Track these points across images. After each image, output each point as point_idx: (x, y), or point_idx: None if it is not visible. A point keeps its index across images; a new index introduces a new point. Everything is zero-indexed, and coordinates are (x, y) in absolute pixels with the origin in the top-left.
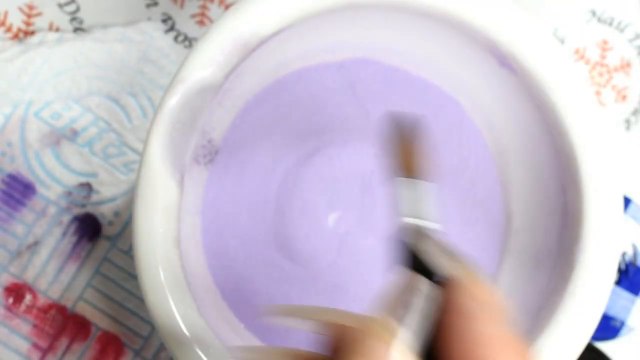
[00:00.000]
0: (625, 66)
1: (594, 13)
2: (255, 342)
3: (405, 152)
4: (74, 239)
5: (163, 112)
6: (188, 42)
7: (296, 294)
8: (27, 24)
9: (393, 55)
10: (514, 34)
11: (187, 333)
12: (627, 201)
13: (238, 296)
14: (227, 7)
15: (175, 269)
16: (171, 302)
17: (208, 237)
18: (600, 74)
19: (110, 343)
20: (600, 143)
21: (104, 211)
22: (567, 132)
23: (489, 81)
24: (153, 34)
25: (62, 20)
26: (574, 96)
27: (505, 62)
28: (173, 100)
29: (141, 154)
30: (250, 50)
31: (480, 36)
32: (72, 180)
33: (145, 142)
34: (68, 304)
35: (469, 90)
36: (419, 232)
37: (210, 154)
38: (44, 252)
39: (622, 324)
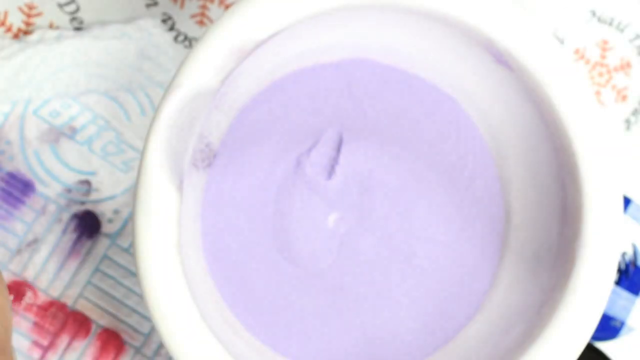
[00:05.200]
0: (625, 66)
1: (594, 13)
2: (257, 344)
3: None
4: (73, 236)
5: (160, 118)
6: (188, 42)
7: (297, 295)
8: (27, 24)
9: (389, 54)
10: (509, 31)
11: (189, 337)
12: (627, 201)
13: (239, 298)
14: (227, 7)
15: (176, 274)
16: (173, 307)
17: (208, 241)
18: (600, 74)
19: (111, 340)
20: (598, 136)
21: (104, 209)
22: (564, 127)
23: (485, 78)
24: (152, 30)
25: (62, 20)
26: (570, 90)
27: (501, 59)
28: (170, 107)
29: (140, 160)
30: (247, 54)
31: (475, 34)
32: (71, 177)
33: (144, 148)
34: (68, 301)
35: (465, 88)
36: None
37: (208, 158)
38: (44, 249)
39: (622, 324)
